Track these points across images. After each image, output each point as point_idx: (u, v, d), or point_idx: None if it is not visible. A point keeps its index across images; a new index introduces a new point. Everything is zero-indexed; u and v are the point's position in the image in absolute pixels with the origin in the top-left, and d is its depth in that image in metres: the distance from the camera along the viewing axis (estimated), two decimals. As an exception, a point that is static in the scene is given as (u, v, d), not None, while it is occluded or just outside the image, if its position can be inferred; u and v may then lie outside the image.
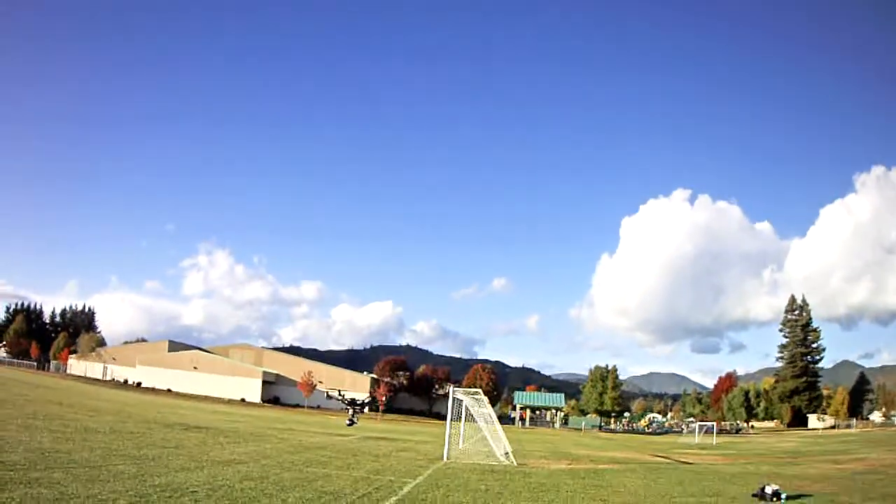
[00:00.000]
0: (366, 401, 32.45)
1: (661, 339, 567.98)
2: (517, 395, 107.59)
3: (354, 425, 31.90)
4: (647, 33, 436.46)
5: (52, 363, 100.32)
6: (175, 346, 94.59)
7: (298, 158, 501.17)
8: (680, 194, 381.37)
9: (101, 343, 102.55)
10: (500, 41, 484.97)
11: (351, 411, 31.04)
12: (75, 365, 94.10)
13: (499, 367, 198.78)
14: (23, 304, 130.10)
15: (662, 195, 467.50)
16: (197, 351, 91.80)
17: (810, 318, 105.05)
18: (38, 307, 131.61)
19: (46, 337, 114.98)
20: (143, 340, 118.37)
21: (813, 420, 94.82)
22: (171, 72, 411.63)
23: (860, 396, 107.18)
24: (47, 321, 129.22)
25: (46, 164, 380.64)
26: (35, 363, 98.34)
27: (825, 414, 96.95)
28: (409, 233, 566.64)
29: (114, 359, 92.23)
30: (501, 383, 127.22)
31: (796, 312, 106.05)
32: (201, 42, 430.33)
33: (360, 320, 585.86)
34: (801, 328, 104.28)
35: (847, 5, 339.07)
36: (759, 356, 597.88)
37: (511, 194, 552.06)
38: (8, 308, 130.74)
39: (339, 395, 32.50)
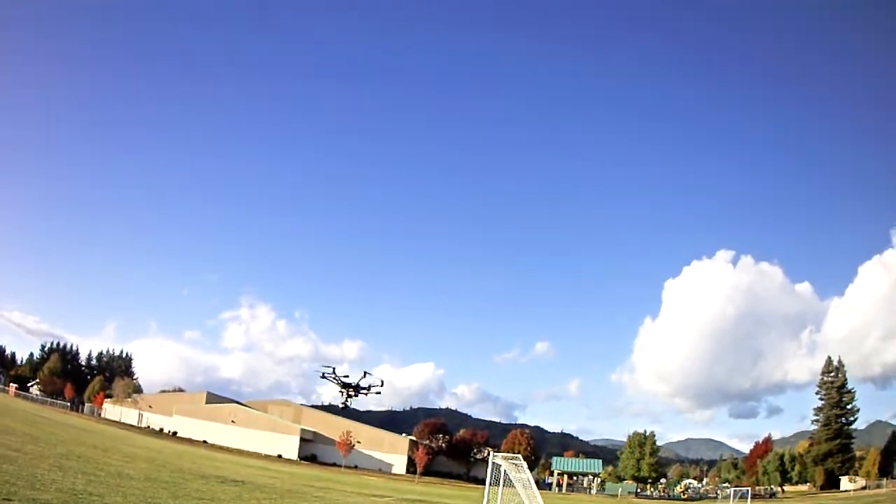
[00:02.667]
0: (360, 383, 29.48)
1: (699, 404, 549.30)
2: (555, 460, 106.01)
3: (346, 409, 29.99)
4: (687, 95, 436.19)
5: (87, 406, 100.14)
6: (213, 398, 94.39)
7: (343, 218, 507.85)
8: (723, 255, 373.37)
9: (138, 389, 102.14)
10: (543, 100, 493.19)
11: (344, 395, 29.34)
12: (110, 409, 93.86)
13: (537, 431, 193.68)
14: (58, 344, 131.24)
15: (706, 256, 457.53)
16: (235, 404, 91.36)
17: (846, 380, 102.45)
18: (74, 348, 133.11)
19: (82, 378, 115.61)
20: (181, 390, 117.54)
21: (844, 482, 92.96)
22: (228, 109, 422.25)
23: (892, 456, 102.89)
24: (83, 363, 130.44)
25: (91, 203, 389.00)
26: (69, 404, 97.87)
27: (857, 475, 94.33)
28: (453, 296, 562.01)
29: (150, 406, 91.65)
30: (540, 448, 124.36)
31: (832, 374, 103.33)
32: (255, 74, 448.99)
33: (400, 381, 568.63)
34: (836, 390, 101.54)
35: (885, 64, 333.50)
36: (796, 419, 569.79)
37: (555, 258, 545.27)
38: (43, 346, 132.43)
39: (333, 373, 30.88)
